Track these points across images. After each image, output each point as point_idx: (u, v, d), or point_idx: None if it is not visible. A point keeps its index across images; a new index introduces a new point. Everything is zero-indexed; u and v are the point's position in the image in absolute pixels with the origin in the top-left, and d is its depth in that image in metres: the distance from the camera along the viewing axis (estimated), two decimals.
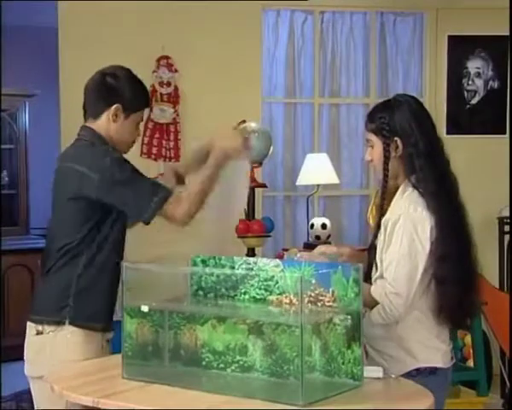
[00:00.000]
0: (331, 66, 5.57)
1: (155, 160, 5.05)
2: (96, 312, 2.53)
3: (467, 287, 2.44)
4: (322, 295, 2.07)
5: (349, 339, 2.08)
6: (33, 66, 7.06)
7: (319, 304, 2.07)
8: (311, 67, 5.53)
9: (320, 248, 2.63)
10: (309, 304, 2.04)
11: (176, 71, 5.06)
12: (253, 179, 4.66)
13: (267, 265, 2.28)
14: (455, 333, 4.73)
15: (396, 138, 2.45)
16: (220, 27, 5.12)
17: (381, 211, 2.50)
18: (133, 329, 2.19)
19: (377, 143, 2.49)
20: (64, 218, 2.58)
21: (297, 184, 5.14)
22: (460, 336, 4.93)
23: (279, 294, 2.14)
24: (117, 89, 2.61)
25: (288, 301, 2.11)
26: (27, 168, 6.56)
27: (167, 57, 5.05)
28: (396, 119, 2.45)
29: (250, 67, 5.22)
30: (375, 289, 2.38)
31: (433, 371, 2.42)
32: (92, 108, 2.64)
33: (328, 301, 2.08)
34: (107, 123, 2.61)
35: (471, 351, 4.74)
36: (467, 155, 5.37)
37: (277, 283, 2.15)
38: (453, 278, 2.38)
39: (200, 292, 2.32)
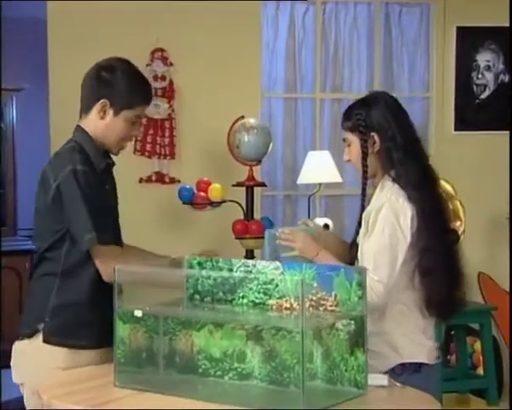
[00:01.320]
0: (333, 59, 5.57)
1: (149, 157, 5.06)
2: (76, 329, 2.51)
3: (452, 279, 2.51)
4: (323, 299, 2.08)
5: (352, 345, 2.08)
6: (21, 58, 7.04)
7: (321, 308, 2.08)
8: (312, 60, 5.53)
9: (304, 219, 2.77)
10: (310, 308, 2.05)
11: (171, 64, 5.06)
12: (251, 178, 4.67)
13: (266, 267, 2.28)
14: (464, 339, 4.74)
15: (373, 134, 2.55)
16: (217, 19, 5.12)
17: (362, 209, 2.60)
18: (126, 334, 2.19)
19: (354, 140, 2.59)
20: (41, 220, 2.58)
21: (298, 182, 5.14)
22: (469, 342, 4.94)
23: (279, 298, 2.14)
24: (107, 82, 2.55)
25: (288, 305, 2.11)
26: (15, 166, 6.55)
27: (162, 50, 5.05)
28: (372, 114, 2.55)
29: (249, 60, 5.22)
30: None
31: (417, 368, 2.47)
32: (84, 103, 2.62)
33: (331, 306, 2.09)
34: (95, 119, 2.58)
35: (481, 358, 4.75)
36: (475, 152, 5.39)
37: (277, 286, 2.15)
38: (438, 270, 2.46)
39: (197, 296, 2.32)
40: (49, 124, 4.94)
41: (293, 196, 5.59)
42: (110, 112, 2.56)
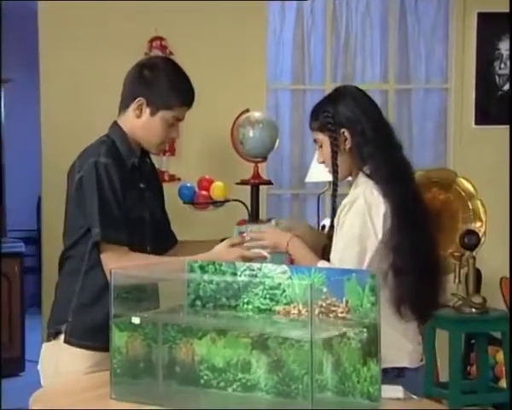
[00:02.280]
0: (344, 48, 5.57)
1: None
2: (95, 329, 2.56)
3: (426, 277, 2.53)
4: (334, 306, 2.08)
5: (365, 355, 2.09)
6: (10, 48, 7.05)
7: (331, 315, 2.08)
8: (321, 49, 5.53)
9: (276, 220, 2.82)
10: (320, 315, 2.05)
11: (170, 53, 5.06)
12: (256, 175, 4.67)
13: (273, 271, 2.29)
14: (485, 349, 4.74)
15: (343, 130, 2.60)
16: (220, 5, 5.12)
17: (334, 212, 2.63)
18: (123, 343, 2.20)
19: (325, 140, 2.63)
20: (68, 215, 2.65)
21: (306, 180, 5.14)
22: (491, 352, 4.93)
23: (286, 304, 2.15)
24: (146, 80, 2.63)
25: (296, 311, 2.12)
26: (3, 163, 6.54)
27: (161, 38, 5.06)
28: (340, 110, 2.60)
29: (254, 49, 5.22)
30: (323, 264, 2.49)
31: (400, 372, 2.49)
32: (123, 100, 2.69)
33: (342, 312, 2.09)
34: (132, 118, 2.65)
35: (503, 369, 4.74)
36: (497, 147, 5.37)
37: (284, 291, 2.16)
38: (410, 268, 2.48)
39: (198, 302, 2.33)
40: (40, 117, 4.95)
41: (301, 195, 5.60)
42: (146, 111, 2.64)
